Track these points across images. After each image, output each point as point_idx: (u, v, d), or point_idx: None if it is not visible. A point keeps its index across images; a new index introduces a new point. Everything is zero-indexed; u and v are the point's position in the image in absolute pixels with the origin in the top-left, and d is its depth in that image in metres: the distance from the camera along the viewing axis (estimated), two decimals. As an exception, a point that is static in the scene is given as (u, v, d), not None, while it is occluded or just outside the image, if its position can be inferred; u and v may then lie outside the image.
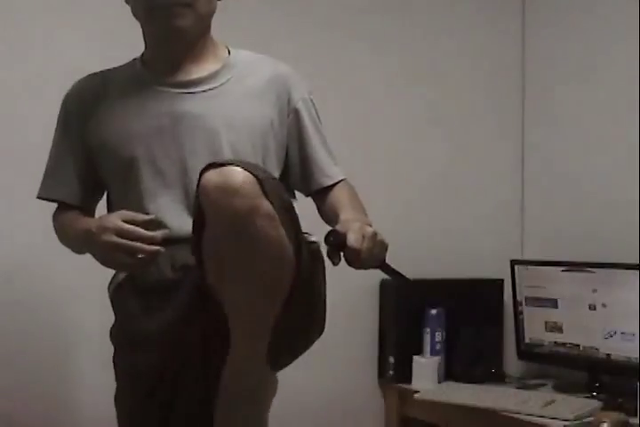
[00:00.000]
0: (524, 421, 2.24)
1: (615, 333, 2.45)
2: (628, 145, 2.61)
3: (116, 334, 1.67)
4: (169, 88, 1.69)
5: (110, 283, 1.71)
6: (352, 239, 1.48)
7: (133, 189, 1.66)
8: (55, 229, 1.76)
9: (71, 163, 1.73)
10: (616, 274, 2.45)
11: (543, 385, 2.63)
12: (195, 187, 1.48)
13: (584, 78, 2.80)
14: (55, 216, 1.77)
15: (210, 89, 1.69)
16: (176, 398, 1.59)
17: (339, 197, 1.75)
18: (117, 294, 1.67)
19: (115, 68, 1.78)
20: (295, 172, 1.77)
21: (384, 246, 1.57)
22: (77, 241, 1.66)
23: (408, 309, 2.69)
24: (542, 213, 2.95)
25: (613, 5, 2.70)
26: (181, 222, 1.61)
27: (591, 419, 2.13)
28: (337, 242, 1.50)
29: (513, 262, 2.75)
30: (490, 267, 2.87)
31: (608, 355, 2.48)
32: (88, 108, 1.71)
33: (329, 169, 1.78)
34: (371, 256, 1.51)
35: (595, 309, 2.50)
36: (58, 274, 2.31)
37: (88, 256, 1.62)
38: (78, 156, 1.73)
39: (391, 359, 2.68)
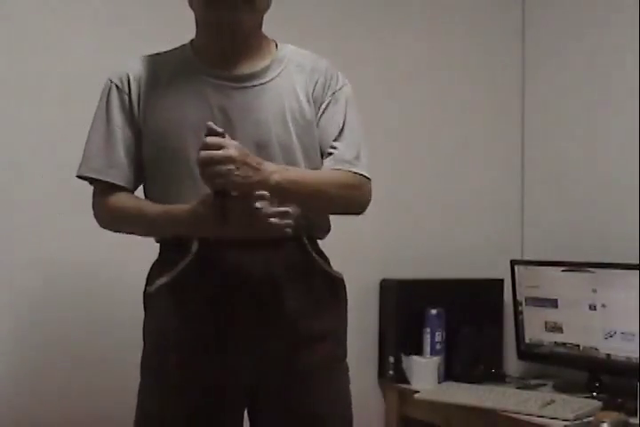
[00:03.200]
0: (524, 421, 2.24)
1: (615, 333, 2.45)
2: (628, 145, 2.61)
3: (152, 332, 1.70)
4: (223, 81, 1.68)
5: (151, 281, 1.70)
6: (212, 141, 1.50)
7: (182, 180, 1.64)
8: (113, 210, 1.69)
9: (121, 145, 1.69)
10: (616, 274, 2.45)
11: (543, 385, 2.63)
12: None
13: (584, 78, 2.80)
14: (105, 200, 1.69)
15: (262, 84, 1.70)
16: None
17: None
18: (158, 293, 1.67)
19: (163, 52, 1.76)
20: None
21: (246, 171, 1.52)
22: (169, 222, 1.61)
23: (408, 309, 2.69)
24: (542, 213, 2.95)
25: (613, 5, 2.71)
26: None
27: (591, 419, 2.13)
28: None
29: (513, 262, 2.75)
30: (490, 267, 2.87)
31: (608, 355, 2.48)
32: (141, 92, 1.69)
33: (343, 156, 1.73)
34: (212, 165, 1.49)
35: (595, 309, 2.50)
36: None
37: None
38: (128, 138, 1.69)
39: (391, 359, 2.68)
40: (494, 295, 2.87)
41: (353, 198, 1.73)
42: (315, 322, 1.68)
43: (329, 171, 1.70)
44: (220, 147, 1.49)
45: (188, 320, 1.64)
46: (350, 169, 1.71)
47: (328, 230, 1.79)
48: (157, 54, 1.76)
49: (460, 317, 2.70)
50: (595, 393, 2.43)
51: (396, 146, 2.81)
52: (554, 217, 2.89)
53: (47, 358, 2.32)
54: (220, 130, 1.52)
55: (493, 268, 2.85)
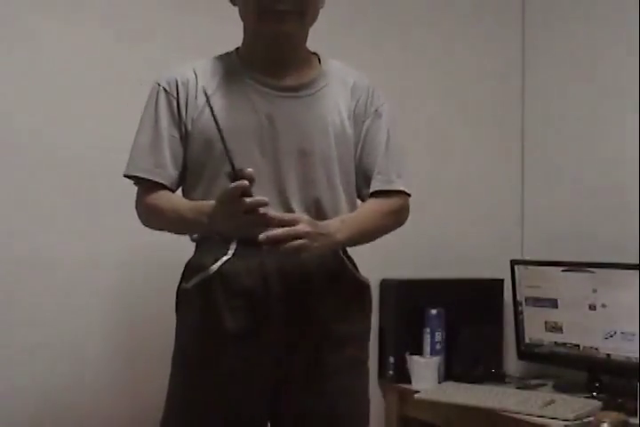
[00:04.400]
0: (524, 421, 2.24)
1: (615, 333, 2.45)
2: (628, 145, 2.61)
3: (185, 328, 1.75)
4: (271, 89, 1.75)
5: (187, 278, 1.75)
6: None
7: (226, 184, 1.67)
8: (150, 207, 1.75)
9: (167, 146, 1.74)
10: (616, 274, 2.45)
11: (543, 385, 2.63)
12: (286, 187, 1.69)
13: (584, 78, 2.80)
14: (147, 198, 1.75)
15: (308, 95, 1.77)
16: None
17: (362, 206, 1.83)
18: (194, 290, 1.72)
19: (209, 59, 1.81)
20: (359, 177, 1.83)
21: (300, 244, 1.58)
22: (198, 216, 1.66)
23: (408, 309, 2.69)
24: (542, 213, 2.95)
25: (613, 5, 2.71)
26: None
27: (591, 419, 2.13)
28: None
29: (513, 262, 2.75)
30: (490, 267, 2.87)
31: (608, 355, 2.48)
32: (188, 96, 1.75)
33: (387, 176, 1.82)
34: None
35: (595, 309, 2.50)
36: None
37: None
38: (173, 140, 1.75)
39: (391, 359, 2.67)
40: (494, 295, 2.87)
41: (398, 221, 1.85)
42: (341, 325, 1.74)
43: (376, 206, 1.80)
44: (294, 222, 1.57)
45: (222, 317, 1.68)
46: (393, 188, 1.81)
47: None
48: (204, 61, 1.81)
49: (460, 317, 2.70)
50: (595, 393, 2.43)
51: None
52: (554, 217, 2.89)
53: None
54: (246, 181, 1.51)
55: (493, 268, 2.85)
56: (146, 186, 1.76)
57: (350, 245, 1.78)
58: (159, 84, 1.77)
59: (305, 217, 1.61)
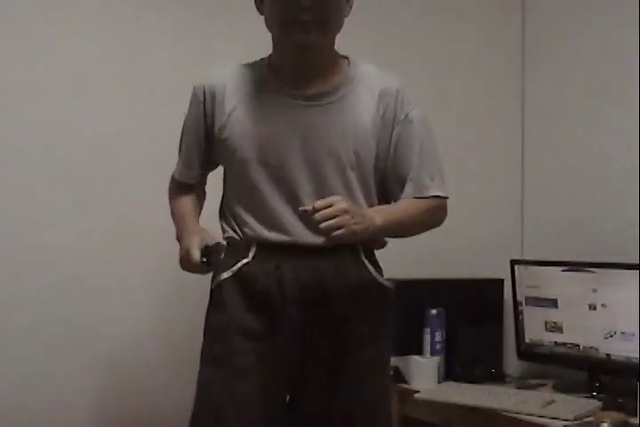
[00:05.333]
0: (524, 421, 2.24)
1: (615, 333, 2.45)
2: (628, 145, 2.61)
3: (208, 324, 1.82)
4: (293, 98, 1.79)
5: (213, 277, 1.82)
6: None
7: (249, 190, 1.78)
8: (170, 202, 1.96)
9: (192, 147, 1.89)
10: (616, 274, 2.45)
11: (543, 385, 2.63)
12: (303, 195, 1.73)
13: (584, 78, 2.80)
14: (172, 193, 1.97)
15: (330, 102, 1.79)
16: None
17: (397, 201, 1.85)
18: (226, 285, 1.78)
19: (242, 65, 1.86)
20: (389, 180, 1.85)
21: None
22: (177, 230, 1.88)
23: (408, 309, 2.69)
24: (542, 213, 2.95)
25: (613, 5, 2.71)
26: (293, 227, 1.74)
27: (591, 419, 2.13)
28: None
29: (513, 262, 2.75)
30: (490, 267, 2.87)
31: (608, 355, 2.48)
32: (216, 102, 1.81)
33: (420, 181, 1.84)
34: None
35: (595, 309, 2.50)
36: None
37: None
38: (201, 144, 1.87)
39: (391, 359, 2.67)
40: (494, 295, 2.86)
41: (434, 220, 1.89)
42: (356, 326, 1.79)
43: (411, 202, 1.82)
44: (330, 204, 1.58)
45: (238, 317, 1.75)
46: (426, 195, 1.83)
47: (384, 245, 1.91)
48: (236, 67, 1.85)
49: (460, 317, 2.70)
50: (595, 393, 2.42)
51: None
52: (554, 217, 2.89)
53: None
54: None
55: (493, 268, 2.85)
56: (173, 181, 1.96)
57: (386, 235, 1.82)
58: (194, 89, 1.86)
59: (339, 197, 1.63)
